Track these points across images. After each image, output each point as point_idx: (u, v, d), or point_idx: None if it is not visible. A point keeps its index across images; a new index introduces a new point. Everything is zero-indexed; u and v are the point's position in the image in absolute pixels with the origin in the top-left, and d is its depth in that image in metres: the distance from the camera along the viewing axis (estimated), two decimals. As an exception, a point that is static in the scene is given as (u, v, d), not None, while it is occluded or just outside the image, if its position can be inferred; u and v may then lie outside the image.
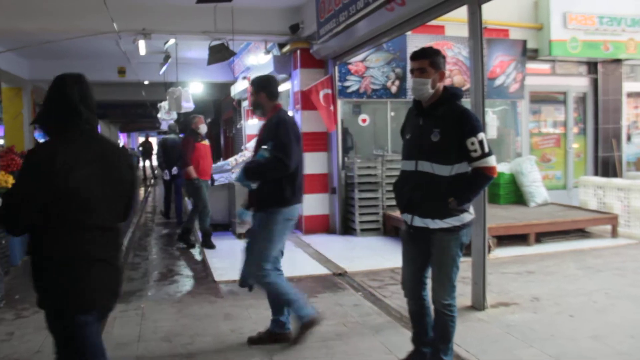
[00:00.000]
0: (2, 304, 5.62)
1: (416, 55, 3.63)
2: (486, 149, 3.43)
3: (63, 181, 2.46)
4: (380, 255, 7.56)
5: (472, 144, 3.40)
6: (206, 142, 8.66)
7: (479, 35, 5.31)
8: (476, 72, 5.34)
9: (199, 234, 8.60)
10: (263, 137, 4.45)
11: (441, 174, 3.48)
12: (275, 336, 4.54)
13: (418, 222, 3.60)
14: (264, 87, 4.55)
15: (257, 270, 4.36)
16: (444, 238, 3.54)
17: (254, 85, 4.63)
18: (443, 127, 3.49)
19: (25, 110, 14.39)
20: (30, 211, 2.46)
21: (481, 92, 5.28)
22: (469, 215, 3.58)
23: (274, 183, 4.30)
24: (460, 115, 3.51)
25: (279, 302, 4.47)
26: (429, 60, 3.56)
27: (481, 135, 3.44)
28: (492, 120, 9.85)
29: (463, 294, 5.50)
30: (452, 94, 3.62)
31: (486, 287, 5.24)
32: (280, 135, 4.28)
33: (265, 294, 4.60)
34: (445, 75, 3.66)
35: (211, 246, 8.24)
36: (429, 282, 3.73)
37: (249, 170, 4.33)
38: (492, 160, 3.46)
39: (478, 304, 5.21)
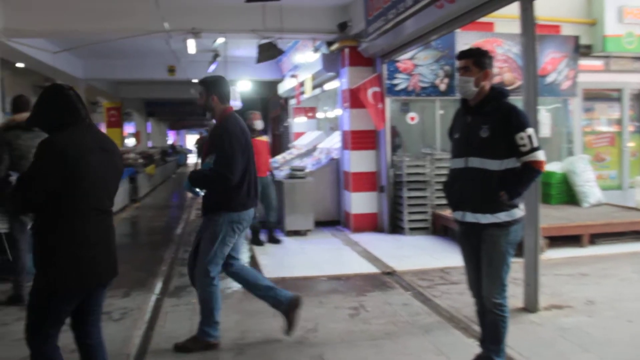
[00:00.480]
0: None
1: (461, 55, 3.76)
2: (535, 144, 3.50)
3: (74, 167, 2.83)
4: (429, 255, 7.50)
5: (522, 138, 3.48)
6: (263, 138, 8.60)
7: (531, 32, 5.22)
8: (528, 69, 5.26)
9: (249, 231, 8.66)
10: (210, 145, 4.38)
11: (491, 168, 3.54)
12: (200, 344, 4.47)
13: (469, 217, 3.66)
14: (216, 89, 4.39)
15: (203, 274, 4.38)
16: (495, 233, 3.58)
17: (205, 86, 4.42)
18: (491, 123, 3.56)
19: (80, 108, 14.82)
20: (44, 194, 2.80)
21: (533, 90, 5.20)
22: (519, 212, 3.62)
23: (220, 191, 4.31)
24: (509, 111, 3.58)
25: (203, 309, 4.44)
26: (472, 59, 3.69)
27: (530, 130, 3.51)
28: (544, 118, 9.63)
29: (515, 295, 5.41)
30: (499, 92, 3.71)
31: (539, 288, 5.15)
32: (224, 148, 4.19)
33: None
34: (491, 74, 3.72)
35: (259, 243, 8.35)
36: None
37: (193, 179, 4.32)
38: (540, 155, 3.52)
39: (530, 306, 5.13)
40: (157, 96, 22.86)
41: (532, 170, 3.53)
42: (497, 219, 3.55)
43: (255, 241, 8.43)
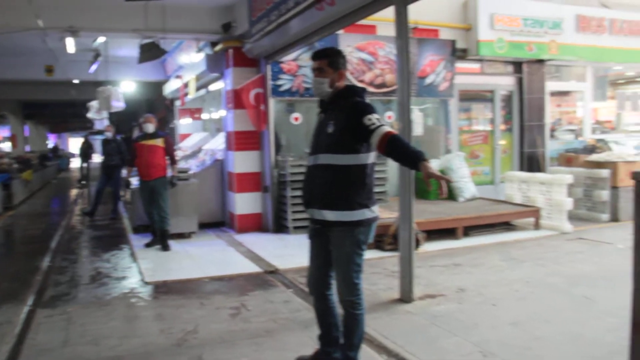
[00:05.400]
0: None
1: (315, 56, 3.74)
2: (382, 122, 3.45)
3: None
4: (313, 252, 7.57)
5: (369, 119, 3.42)
6: (153, 141, 8.19)
7: (405, 35, 5.44)
8: (402, 71, 5.46)
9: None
10: None
11: (336, 163, 3.51)
12: None
13: (317, 214, 3.63)
14: None
15: None
16: (339, 234, 3.57)
17: None
18: (337, 118, 3.57)
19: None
20: None
21: (407, 90, 5.40)
22: (369, 212, 3.58)
23: None
24: (353, 104, 3.56)
25: None
26: (327, 60, 3.67)
27: (376, 115, 3.47)
28: (417, 117, 10.05)
29: (392, 288, 5.65)
30: (349, 89, 3.72)
31: (414, 280, 5.38)
32: None
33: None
34: (345, 74, 3.74)
35: (167, 248, 8.16)
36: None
37: None
38: (388, 127, 3.45)
39: (406, 297, 5.34)
40: (35, 97, 21.68)
41: (392, 136, 3.37)
42: (342, 217, 3.52)
43: (164, 246, 8.13)
